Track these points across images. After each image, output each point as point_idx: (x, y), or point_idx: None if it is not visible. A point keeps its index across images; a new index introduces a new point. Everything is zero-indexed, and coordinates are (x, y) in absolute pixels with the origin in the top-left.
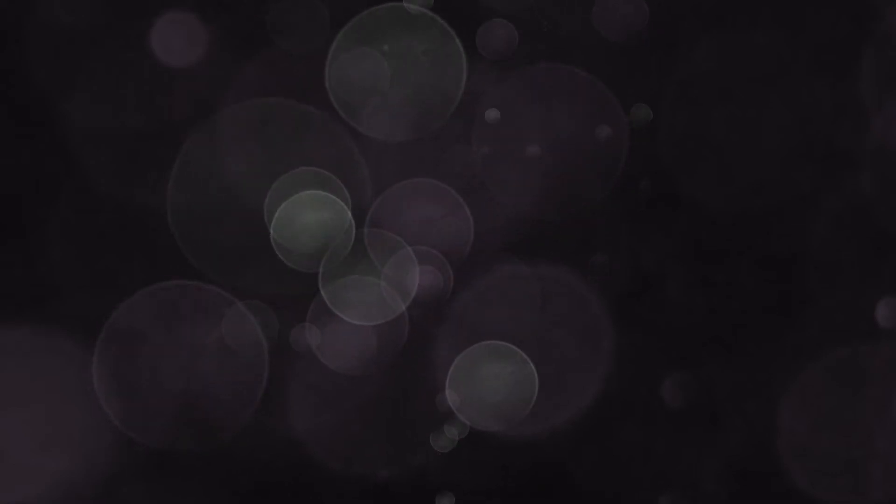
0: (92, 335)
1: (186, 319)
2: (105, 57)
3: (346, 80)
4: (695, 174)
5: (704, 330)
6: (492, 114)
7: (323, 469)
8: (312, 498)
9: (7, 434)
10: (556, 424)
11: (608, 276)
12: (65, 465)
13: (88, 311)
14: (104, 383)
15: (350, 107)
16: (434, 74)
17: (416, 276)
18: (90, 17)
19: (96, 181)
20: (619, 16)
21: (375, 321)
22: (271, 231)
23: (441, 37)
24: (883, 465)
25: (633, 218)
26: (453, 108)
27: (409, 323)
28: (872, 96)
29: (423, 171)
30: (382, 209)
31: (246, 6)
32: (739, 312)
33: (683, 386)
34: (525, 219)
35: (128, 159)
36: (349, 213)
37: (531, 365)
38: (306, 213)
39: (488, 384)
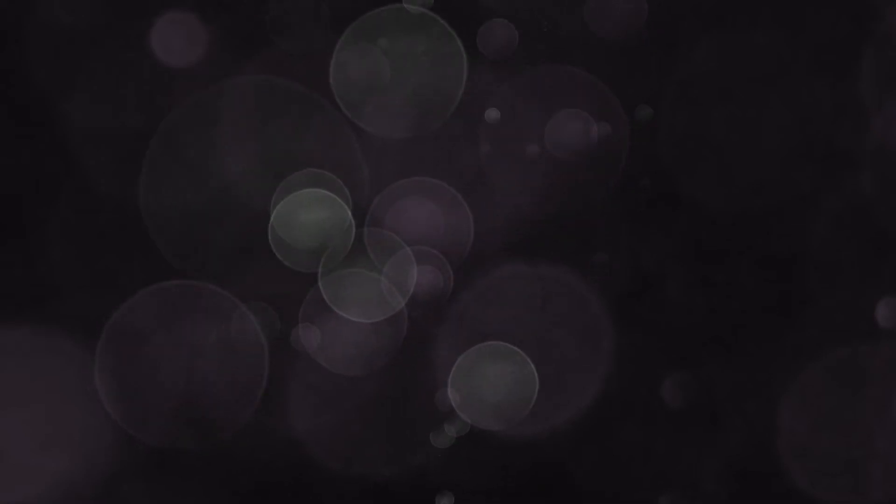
0: (92, 335)
1: (186, 319)
2: (105, 57)
3: (350, 78)
4: (695, 174)
5: (704, 330)
6: (492, 114)
7: (323, 469)
8: (312, 498)
9: (7, 434)
10: (556, 424)
11: (608, 275)
12: (65, 465)
13: (88, 311)
14: (105, 383)
15: (353, 105)
16: (435, 74)
17: (414, 274)
18: (90, 17)
19: (96, 181)
20: (616, 14)
21: (374, 318)
22: (270, 230)
23: (442, 37)
24: (883, 465)
25: (633, 218)
26: (453, 108)
27: (408, 321)
28: (872, 96)
29: (423, 170)
30: (382, 208)
31: (246, 6)
32: (739, 312)
33: (683, 386)
34: (525, 219)
35: (128, 159)
36: (349, 212)
37: (531, 365)
38: (306, 212)
39: (489, 384)
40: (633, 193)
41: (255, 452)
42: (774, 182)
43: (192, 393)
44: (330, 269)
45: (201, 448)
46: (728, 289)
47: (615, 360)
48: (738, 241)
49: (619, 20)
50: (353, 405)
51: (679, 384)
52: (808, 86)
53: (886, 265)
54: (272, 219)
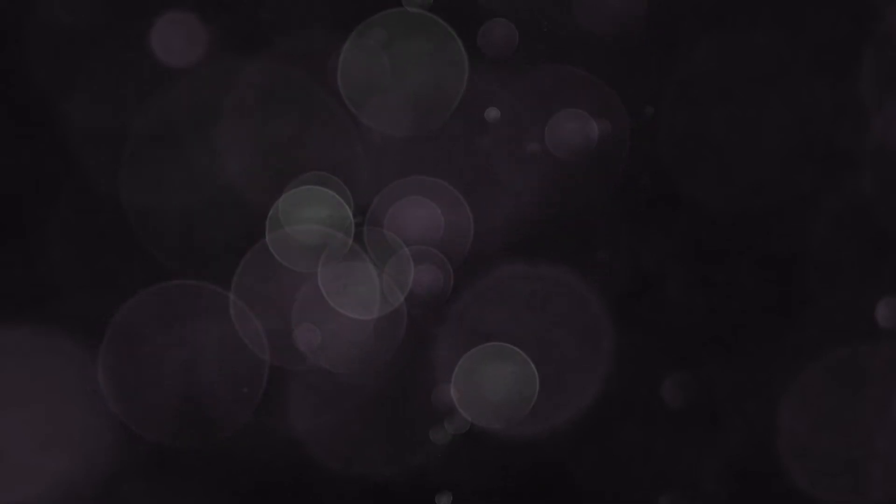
0: (92, 335)
1: (186, 319)
2: (105, 57)
3: (356, 79)
4: (695, 174)
5: (704, 330)
6: (492, 113)
7: (323, 469)
8: (312, 498)
9: (7, 434)
10: (556, 424)
11: (608, 275)
12: (65, 465)
13: (88, 311)
14: (106, 382)
15: (360, 104)
16: (436, 74)
17: (412, 271)
18: (90, 17)
19: (96, 181)
20: (614, 13)
21: (372, 315)
22: (268, 228)
23: (444, 38)
24: (883, 465)
25: (633, 218)
26: (454, 108)
27: (406, 318)
28: (872, 96)
29: (424, 170)
30: (382, 207)
31: (246, 6)
32: (739, 312)
33: (683, 386)
34: (525, 219)
35: (128, 159)
36: (349, 211)
37: (532, 365)
38: (305, 210)
39: (489, 384)
40: (633, 193)
41: (255, 452)
42: (774, 182)
43: (192, 393)
44: (329, 267)
45: (201, 448)
46: (728, 289)
47: (615, 360)
48: (738, 241)
49: (618, 19)
50: (353, 405)
51: (679, 384)
52: (808, 86)
53: (886, 265)
54: (270, 217)
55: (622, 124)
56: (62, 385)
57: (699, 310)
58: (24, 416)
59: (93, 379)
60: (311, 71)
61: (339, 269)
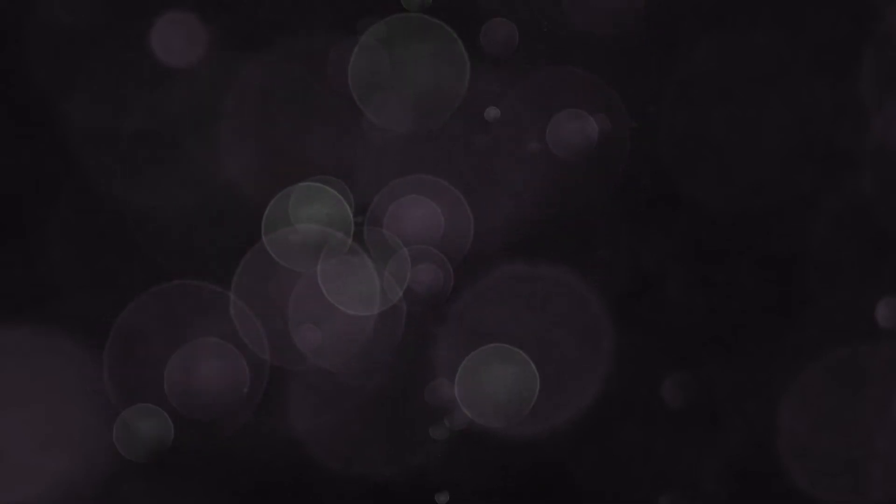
0: (92, 335)
1: (186, 319)
2: (105, 57)
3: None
4: (695, 174)
5: (704, 330)
6: (492, 112)
7: (323, 469)
8: (312, 498)
9: (7, 434)
10: (556, 424)
11: (609, 274)
12: (65, 465)
13: (88, 311)
14: (108, 384)
15: (367, 101)
16: (438, 74)
17: (409, 268)
18: (90, 17)
19: (96, 181)
20: (612, 11)
21: (371, 311)
22: (266, 228)
23: (446, 40)
24: (883, 465)
25: (633, 218)
26: (454, 108)
27: (406, 316)
28: (872, 96)
29: (424, 169)
30: (382, 206)
31: (246, 6)
32: (739, 312)
33: (683, 386)
34: (525, 219)
35: (128, 159)
36: (349, 211)
37: (532, 365)
38: (305, 210)
39: (490, 384)
40: (633, 193)
41: (255, 452)
42: (774, 182)
43: (192, 393)
44: (329, 264)
45: (201, 448)
46: (728, 289)
47: (615, 360)
48: (738, 241)
49: (618, 19)
50: (353, 405)
51: (679, 384)
52: (808, 86)
53: (886, 265)
54: (267, 217)
55: (622, 124)
56: (62, 385)
57: (699, 310)
58: (24, 416)
59: (93, 379)
60: (311, 71)
61: (338, 266)
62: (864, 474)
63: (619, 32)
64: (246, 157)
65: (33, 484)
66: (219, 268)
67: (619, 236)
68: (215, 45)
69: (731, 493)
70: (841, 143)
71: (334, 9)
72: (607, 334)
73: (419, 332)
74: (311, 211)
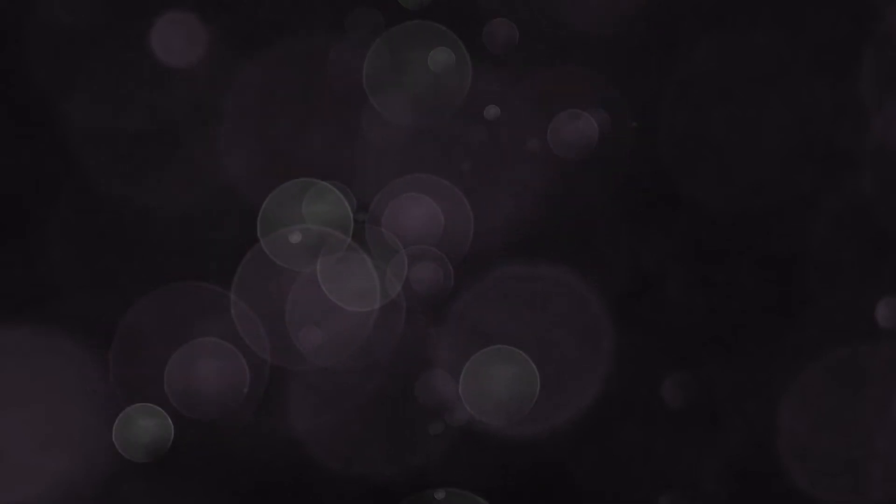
0: (92, 335)
1: (186, 319)
2: (105, 57)
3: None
4: (695, 174)
5: (704, 330)
6: (491, 111)
7: (323, 469)
8: (312, 498)
9: (7, 434)
10: (556, 424)
11: (609, 274)
12: (65, 465)
13: (88, 311)
14: (112, 383)
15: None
16: (439, 75)
17: (406, 265)
18: (90, 17)
19: (96, 181)
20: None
21: (370, 307)
22: (262, 228)
23: (447, 41)
24: (883, 465)
25: (633, 218)
26: (455, 108)
27: (406, 315)
28: (872, 96)
29: (424, 169)
30: (382, 206)
31: (246, 6)
32: (739, 312)
33: (683, 386)
34: (525, 219)
35: (128, 159)
36: (349, 210)
37: (532, 365)
38: (305, 209)
39: (490, 384)
40: (633, 194)
41: (255, 452)
42: (774, 182)
43: (192, 393)
44: (328, 261)
45: (201, 448)
46: (728, 289)
47: (615, 360)
48: (738, 241)
49: (618, 19)
50: (353, 405)
51: (679, 384)
52: (808, 86)
53: (886, 265)
54: (263, 216)
55: (622, 124)
56: (62, 385)
57: (699, 310)
58: (24, 416)
59: (93, 379)
60: (311, 71)
61: (337, 263)
62: (864, 474)
63: (619, 32)
64: (246, 157)
65: (33, 484)
66: (219, 268)
67: (619, 236)
68: (215, 45)
69: (731, 493)
70: (841, 143)
71: (334, 9)
72: (607, 334)
73: (419, 330)
74: (310, 210)
